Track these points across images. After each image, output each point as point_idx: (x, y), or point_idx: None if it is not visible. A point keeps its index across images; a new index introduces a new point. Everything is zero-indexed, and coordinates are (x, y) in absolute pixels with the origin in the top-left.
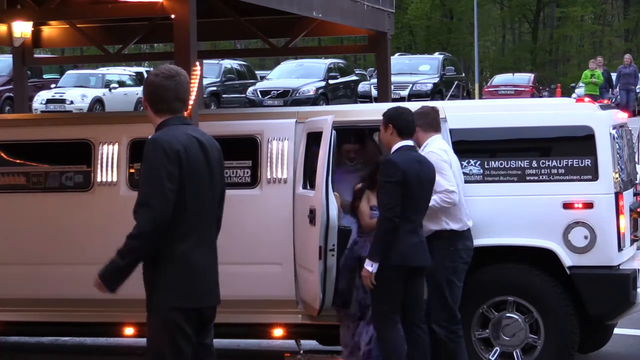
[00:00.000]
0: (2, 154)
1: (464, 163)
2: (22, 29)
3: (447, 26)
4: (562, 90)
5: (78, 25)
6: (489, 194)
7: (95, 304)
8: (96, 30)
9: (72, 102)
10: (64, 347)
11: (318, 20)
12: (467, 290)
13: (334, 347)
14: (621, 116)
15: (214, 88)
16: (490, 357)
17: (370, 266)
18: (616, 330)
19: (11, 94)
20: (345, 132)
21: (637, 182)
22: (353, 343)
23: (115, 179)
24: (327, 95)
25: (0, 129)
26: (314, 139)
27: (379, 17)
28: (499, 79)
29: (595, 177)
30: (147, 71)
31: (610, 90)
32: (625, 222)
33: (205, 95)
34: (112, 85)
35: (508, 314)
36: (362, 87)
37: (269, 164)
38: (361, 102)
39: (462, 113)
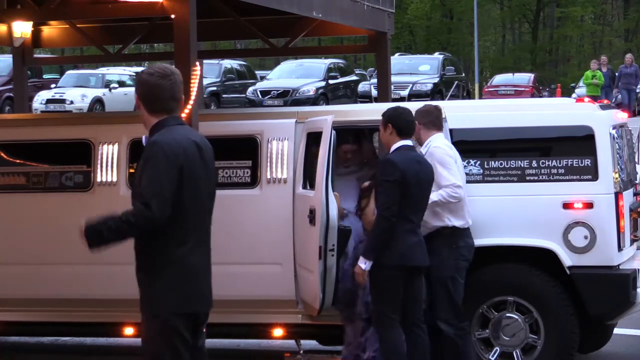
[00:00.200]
0: (2, 154)
1: (464, 163)
2: (22, 29)
3: (447, 26)
4: (562, 90)
5: (78, 25)
6: (489, 194)
7: (95, 304)
8: (96, 30)
9: (72, 102)
10: (64, 347)
11: (318, 20)
12: (467, 290)
13: (334, 347)
14: (621, 116)
15: (214, 88)
16: (490, 357)
17: (363, 264)
18: (616, 330)
19: (11, 94)
20: (345, 133)
21: (637, 182)
22: (357, 342)
23: (115, 179)
24: (327, 95)
25: (0, 129)
26: (313, 139)
27: (379, 17)
28: (499, 79)
29: (595, 177)
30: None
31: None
32: (625, 222)
33: (205, 95)
34: (112, 85)
35: (508, 314)
36: (362, 87)
37: (268, 164)
38: (361, 102)
39: (462, 113)
